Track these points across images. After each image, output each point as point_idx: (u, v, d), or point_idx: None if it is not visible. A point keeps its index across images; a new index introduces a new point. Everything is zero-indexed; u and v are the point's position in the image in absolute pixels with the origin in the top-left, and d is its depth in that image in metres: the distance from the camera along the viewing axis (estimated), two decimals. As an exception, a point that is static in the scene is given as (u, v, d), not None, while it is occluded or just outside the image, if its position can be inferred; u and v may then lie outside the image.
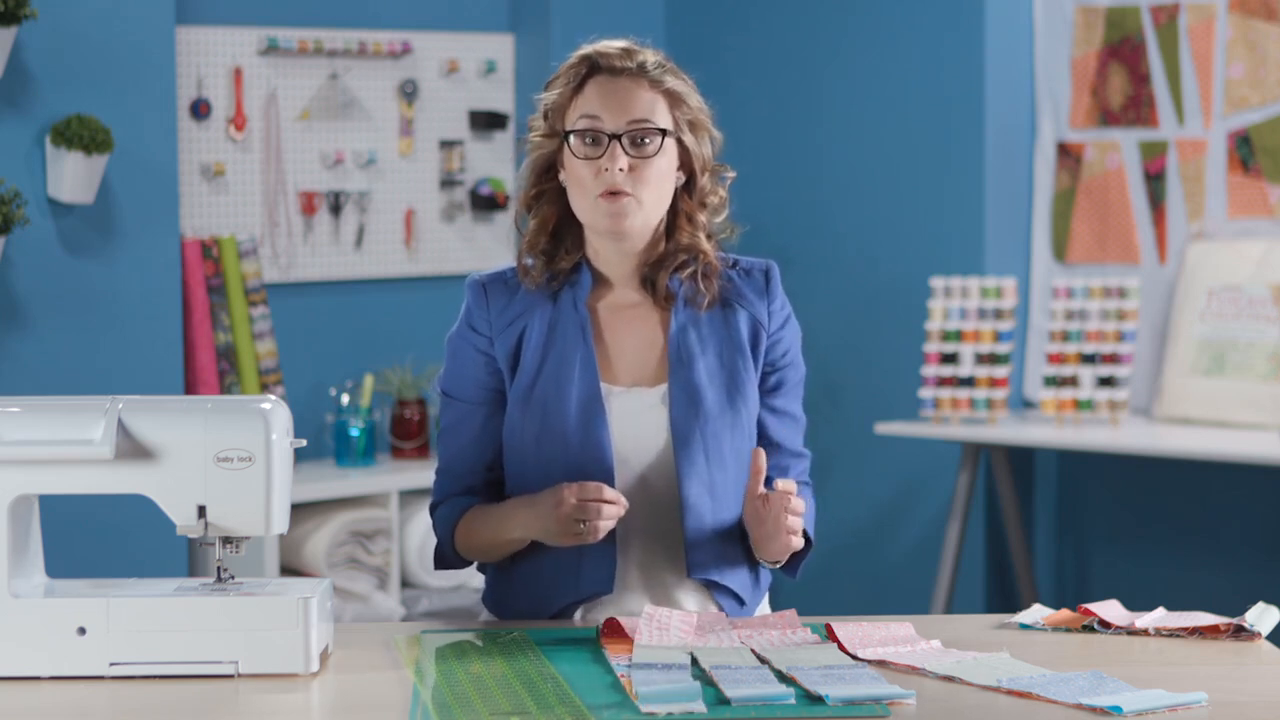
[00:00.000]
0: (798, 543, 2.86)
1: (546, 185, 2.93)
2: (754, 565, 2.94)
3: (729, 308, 2.94)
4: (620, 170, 2.83)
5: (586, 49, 2.90)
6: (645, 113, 2.85)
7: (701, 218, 2.92)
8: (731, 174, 2.98)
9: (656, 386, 2.90)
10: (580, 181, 2.86)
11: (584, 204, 2.87)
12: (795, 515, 2.82)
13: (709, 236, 2.94)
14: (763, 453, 2.83)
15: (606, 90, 2.86)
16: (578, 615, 2.89)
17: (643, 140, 2.85)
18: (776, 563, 2.91)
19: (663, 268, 2.92)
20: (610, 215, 2.84)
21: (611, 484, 2.84)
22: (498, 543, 2.91)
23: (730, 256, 2.98)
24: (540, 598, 2.90)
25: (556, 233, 2.93)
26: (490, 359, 2.92)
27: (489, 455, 2.94)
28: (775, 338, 2.95)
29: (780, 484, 2.80)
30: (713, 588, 2.90)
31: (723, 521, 2.89)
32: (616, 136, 2.83)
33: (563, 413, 2.86)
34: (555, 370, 2.88)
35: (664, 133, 2.86)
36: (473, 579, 5.57)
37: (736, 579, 2.91)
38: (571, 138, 2.86)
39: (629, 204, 2.84)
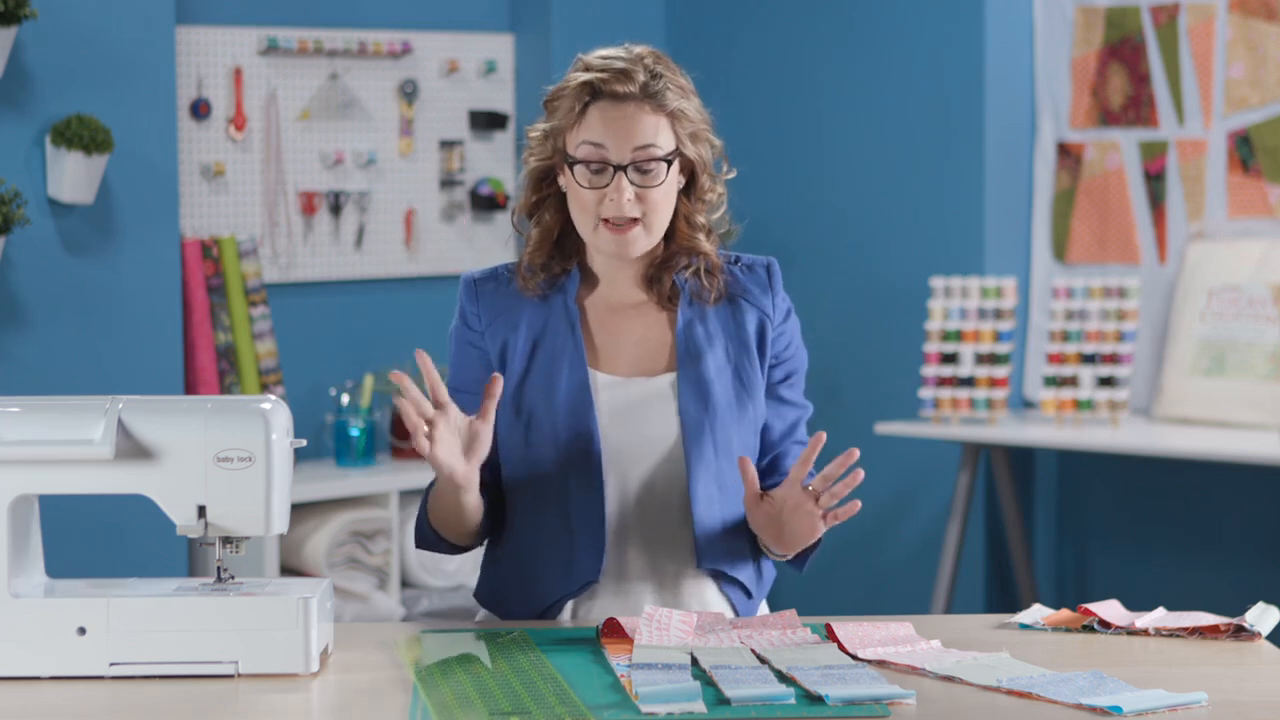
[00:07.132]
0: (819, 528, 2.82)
1: (547, 193, 2.93)
2: (759, 559, 2.95)
3: (735, 304, 2.95)
4: (628, 200, 2.83)
5: (585, 74, 2.85)
6: (650, 140, 2.83)
7: (700, 218, 2.93)
8: (731, 172, 2.97)
9: (661, 376, 2.90)
10: (584, 206, 2.85)
11: (587, 226, 2.86)
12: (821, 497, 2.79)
13: (709, 233, 2.94)
14: (749, 460, 2.81)
15: (610, 118, 2.83)
16: (567, 610, 2.88)
17: (648, 169, 2.84)
18: (784, 556, 2.91)
19: (665, 269, 2.92)
20: (617, 244, 2.85)
21: (599, 472, 2.84)
22: (444, 503, 2.84)
23: (732, 254, 2.98)
24: (531, 592, 2.89)
25: (559, 240, 2.94)
26: (484, 353, 2.93)
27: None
28: (779, 330, 2.96)
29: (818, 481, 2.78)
30: (721, 579, 2.91)
31: (730, 515, 2.90)
32: (622, 168, 2.82)
33: (552, 402, 2.86)
34: (546, 363, 2.89)
35: (669, 161, 2.85)
36: (473, 578, 5.57)
37: (744, 572, 2.92)
38: (576, 166, 2.85)
39: (636, 233, 2.84)
